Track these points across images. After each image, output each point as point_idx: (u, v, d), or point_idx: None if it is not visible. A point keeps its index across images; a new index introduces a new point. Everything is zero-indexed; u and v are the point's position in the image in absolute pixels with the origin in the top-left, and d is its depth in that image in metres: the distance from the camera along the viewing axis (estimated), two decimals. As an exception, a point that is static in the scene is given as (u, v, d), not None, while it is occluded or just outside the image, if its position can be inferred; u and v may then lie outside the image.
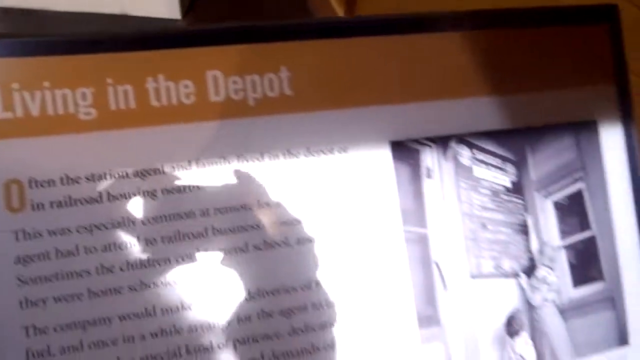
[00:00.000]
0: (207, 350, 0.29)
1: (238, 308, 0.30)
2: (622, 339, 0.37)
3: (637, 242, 0.37)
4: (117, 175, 0.29)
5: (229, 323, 0.30)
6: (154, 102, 0.30)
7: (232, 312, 0.30)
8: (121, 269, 0.29)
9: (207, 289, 0.30)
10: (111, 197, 0.29)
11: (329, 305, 0.31)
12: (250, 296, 0.30)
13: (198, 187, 0.30)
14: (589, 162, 0.37)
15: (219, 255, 0.30)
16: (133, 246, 0.29)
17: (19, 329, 0.27)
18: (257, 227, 0.31)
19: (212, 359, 0.29)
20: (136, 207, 0.29)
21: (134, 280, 0.29)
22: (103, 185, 0.29)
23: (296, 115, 0.32)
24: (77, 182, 0.28)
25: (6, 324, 0.27)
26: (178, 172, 0.30)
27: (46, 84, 0.28)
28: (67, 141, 0.28)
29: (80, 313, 0.28)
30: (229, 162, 0.31)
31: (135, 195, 0.29)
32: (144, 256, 0.29)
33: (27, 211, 0.28)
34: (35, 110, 0.28)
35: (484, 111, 0.35)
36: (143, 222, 0.29)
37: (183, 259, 0.30)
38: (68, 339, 0.28)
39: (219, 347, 0.29)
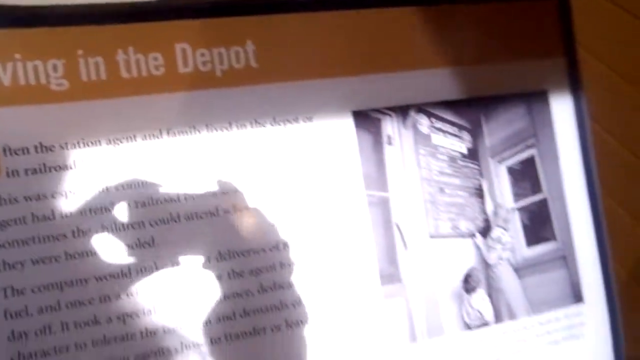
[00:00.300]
0: (180, 307, 0.31)
1: (210, 268, 0.32)
2: (577, 297, 0.39)
3: (587, 204, 0.40)
4: (90, 144, 0.30)
5: (201, 282, 0.31)
6: (125, 74, 0.31)
7: (204, 271, 0.31)
8: (97, 232, 0.30)
9: (179, 250, 0.31)
10: (85, 165, 0.30)
11: (297, 264, 0.33)
12: (222, 257, 0.32)
13: (170, 155, 0.32)
14: (540, 129, 0.39)
15: (191, 218, 0.32)
16: (108, 210, 0.30)
17: (-2, 290, 0.29)
18: (227, 192, 0.32)
19: (186, 316, 0.31)
20: (110, 173, 0.31)
21: (110, 243, 0.30)
22: (77, 153, 0.30)
23: (262, 86, 0.34)
24: (52, 150, 0.30)
25: (-15, 285, 0.28)
26: (149, 141, 0.32)
27: (17, 55, 0.29)
28: (41, 111, 0.30)
29: (57, 274, 0.29)
30: (198, 132, 0.33)
31: (108, 162, 0.31)
32: (118, 219, 0.30)
33: (2, 178, 0.29)
34: (7, 81, 0.29)
35: (441, 82, 0.37)
36: (117, 188, 0.31)
37: (156, 222, 0.31)
38: (45, 299, 0.29)
39: (191, 304, 0.31)
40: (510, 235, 0.38)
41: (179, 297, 0.31)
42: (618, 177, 0.56)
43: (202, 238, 0.32)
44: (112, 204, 0.30)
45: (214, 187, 0.32)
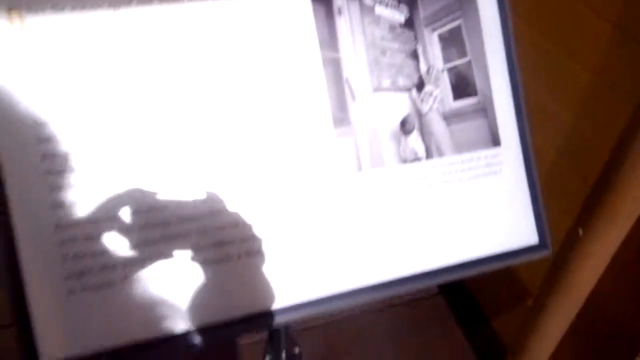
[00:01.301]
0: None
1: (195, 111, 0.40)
2: (495, 141, 0.48)
3: (505, 65, 0.49)
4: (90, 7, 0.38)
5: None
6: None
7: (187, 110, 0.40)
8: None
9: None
10: (85, 26, 0.38)
11: (268, 111, 0.41)
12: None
13: (142, 23, 0.39)
14: (465, 3, 0.47)
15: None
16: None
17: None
18: (200, 55, 0.40)
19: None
20: (103, 21, 0.38)
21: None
22: (82, 15, 0.38)
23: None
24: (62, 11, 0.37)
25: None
26: (122, 10, 0.39)
27: None
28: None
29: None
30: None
31: (103, 22, 0.38)
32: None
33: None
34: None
35: (382, -38, 0.44)
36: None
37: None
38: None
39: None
40: (440, 91, 0.46)
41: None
42: (531, 55, 0.64)
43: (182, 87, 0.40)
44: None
45: (187, 50, 0.40)
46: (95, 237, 0.37)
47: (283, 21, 0.42)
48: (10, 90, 0.36)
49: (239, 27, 0.41)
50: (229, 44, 0.41)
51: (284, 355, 0.77)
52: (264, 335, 0.81)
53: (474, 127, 0.47)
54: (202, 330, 0.40)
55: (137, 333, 0.39)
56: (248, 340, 0.87)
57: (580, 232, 0.59)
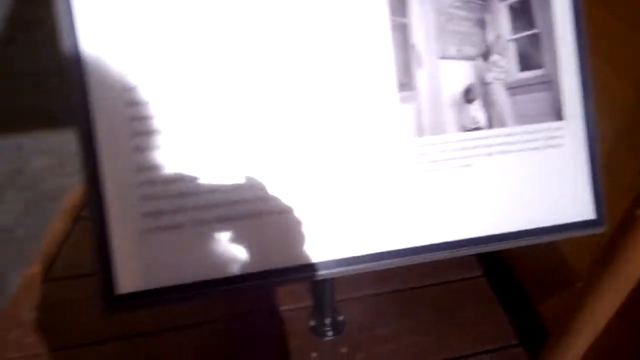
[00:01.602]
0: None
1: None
2: (558, 115, 0.48)
3: (573, 40, 0.48)
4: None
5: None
6: None
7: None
8: None
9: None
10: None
11: (332, 71, 0.43)
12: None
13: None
14: (538, -26, 0.47)
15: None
16: None
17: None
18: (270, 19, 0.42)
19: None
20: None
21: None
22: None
23: None
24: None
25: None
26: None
27: None
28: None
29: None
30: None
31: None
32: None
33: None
34: None
35: None
36: None
37: None
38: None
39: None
40: (506, 61, 0.46)
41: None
42: (603, 35, 0.62)
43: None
44: None
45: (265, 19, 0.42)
46: (170, 182, 0.40)
47: (354, -15, 0.43)
48: (102, 46, 0.39)
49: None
50: (300, 8, 0.42)
51: (328, 321, 0.80)
52: (309, 302, 0.84)
53: (538, 99, 0.48)
54: (259, 275, 0.43)
55: (203, 273, 0.42)
56: (293, 306, 0.90)
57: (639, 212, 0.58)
